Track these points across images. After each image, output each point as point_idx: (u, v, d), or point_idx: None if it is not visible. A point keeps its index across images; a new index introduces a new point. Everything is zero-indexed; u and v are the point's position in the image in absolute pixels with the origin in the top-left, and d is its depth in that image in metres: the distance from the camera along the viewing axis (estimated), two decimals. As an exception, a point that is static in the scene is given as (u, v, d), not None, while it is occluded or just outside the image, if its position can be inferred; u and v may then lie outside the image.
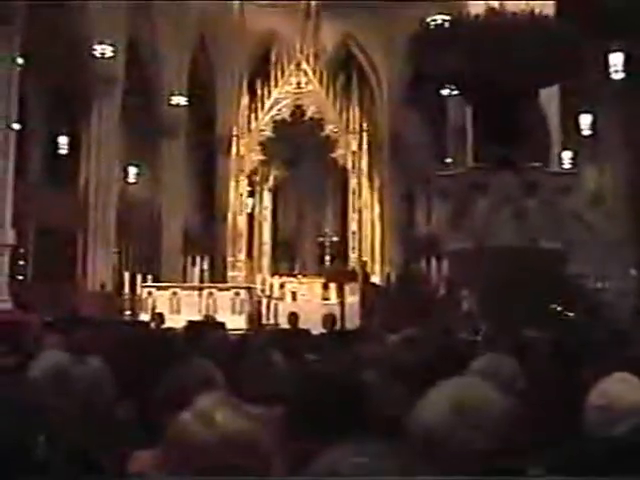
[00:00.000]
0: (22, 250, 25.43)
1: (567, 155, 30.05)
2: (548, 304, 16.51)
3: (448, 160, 27.53)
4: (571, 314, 18.36)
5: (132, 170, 32.28)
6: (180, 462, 2.24)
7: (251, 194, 29.01)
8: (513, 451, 2.31)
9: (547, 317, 15.15)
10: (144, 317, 21.34)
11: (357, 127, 27.83)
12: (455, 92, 20.96)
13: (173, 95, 29.70)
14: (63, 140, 30.91)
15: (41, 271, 25.86)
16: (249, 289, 24.63)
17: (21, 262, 25.64)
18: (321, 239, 29.34)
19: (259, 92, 28.02)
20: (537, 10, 15.11)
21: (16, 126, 22.17)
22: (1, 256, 20.91)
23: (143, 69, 29.92)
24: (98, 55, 25.78)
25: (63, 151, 30.88)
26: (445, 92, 24.02)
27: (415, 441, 2.29)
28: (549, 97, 23.31)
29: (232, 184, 28.21)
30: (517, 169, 15.41)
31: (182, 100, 29.91)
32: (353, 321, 19.35)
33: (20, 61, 22.04)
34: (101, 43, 25.78)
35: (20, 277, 25.15)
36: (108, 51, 25.80)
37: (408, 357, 5.72)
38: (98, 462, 3.36)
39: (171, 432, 2.32)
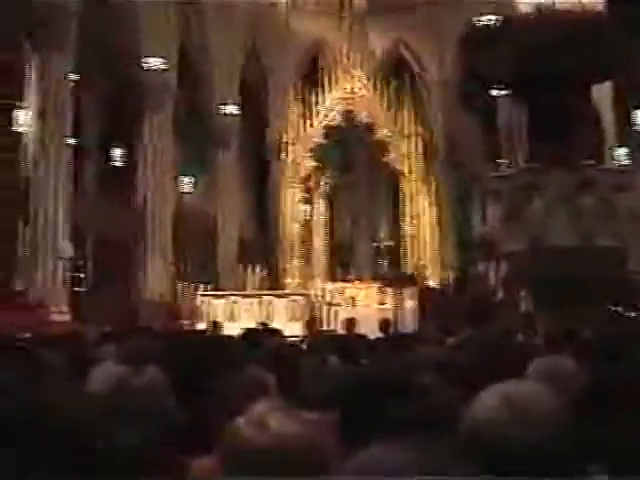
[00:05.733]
0: (80, 262, 25.68)
1: (622, 152, 29.74)
2: (607, 303, 16.33)
3: (501, 160, 27.35)
4: (632, 313, 18.12)
5: (186, 180, 32.45)
6: (236, 468, 2.25)
7: (305, 200, 29.06)
8: (568, 455, 2.28)
9: (607, 316, 14.99)
10: (201, 326, 21.43)
11: (409, 131, 27.79)
12: (506, 92, 20.84)
13: (225, 104, 29.84)
14: (118, 152, 31.18)
15: (99, 282, 26.08)
16: (305, 295, 24.66)
17: (79, 274, 25.90)
18: (376, 244, 29.29)
19: (310, 99, 28.09)
20: (587, 7, 15.00)
21: (71, 140, 22.40)
22: (59, 268, 21.15)
23: (195, 79, 30.09)
24: (150, 67, 26.03)
25: (118, 163, 31.14)
26: (496, 92, 23.89)
27: (466, 442, 2.27)
28: (602, 94, 23.11)
29: (286, 191, 28.31)
30: (571, 167, 15.29)
31: (234, 109, 30.04)
32: (411, 325, 19.31)
33: (73, 76, 22.27)
34: (153, 55, 26.05)
35: (78, 288, 25.39)
36: (159, 63, 26.04)
37: (465, 360, 5.68)
38: (156, 470, 3.37)
39: (226, 439, 2.33)
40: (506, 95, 22.97)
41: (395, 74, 30.26)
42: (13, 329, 12.65)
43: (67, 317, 20.75)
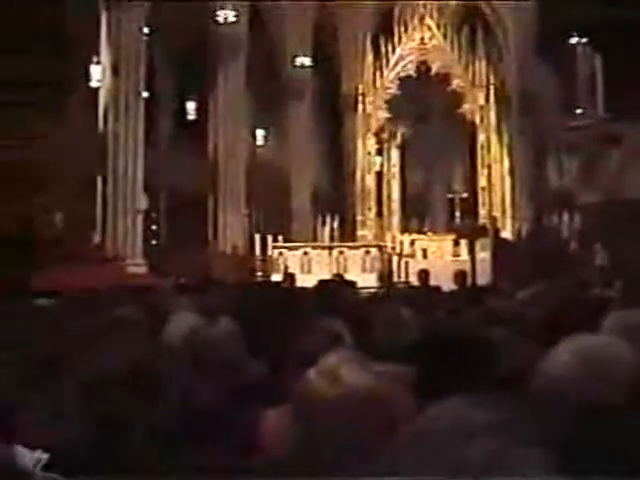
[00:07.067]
0: (155, 215, 25.94)
1: None
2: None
3: (578, 111, 26.92)
4: None
5: (260, 133, 32.51)
6: (308, 419, 2.26)
7: (379, 152, 28.95)
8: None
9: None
10: (276, 278, 21.56)
11: (484, 81, 27.50)
12: (584, 40, 20.47)
13: (297, 56, 29.76)
14: (191, 106, 31.31)
15: (174, 235, 26.32)
16: (379, 247, 24.64)
17: (154, 227, 26.16)
18: (450, 195, 29.10)
19: (383, 49, 27.91)
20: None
21: (145, 94, 22.56)
22: (135, 221, 21.41)
23: (267, 31, 30.02)
24: (221, 20, 26.04)
25: (191, 117, 31.29)
26: (574, 40, 23.46)
27: (538, 395, 2.26)
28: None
29: (359, 143, 28.23)
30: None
31: (306, 61, 29.95)
32: (484, 277, 19.22)
33: (146, 30, 22.39)
34: (223, 8, 26.03)
35: (153, 241, 25.67)
36: (231, 16, 26.04)
37: (538, 313, 5.64)
38: (230, 423, 3.42)
39: (298, 389, 2.35)
40: (584, 44, 22.57)
41: (469, 23, 29.84)
42: (92, 282, 12.86)
43: (143, 269, 21.02)
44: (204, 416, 3.42)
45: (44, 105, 19.80)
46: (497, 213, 27.03)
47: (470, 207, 27.96)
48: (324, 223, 26.06)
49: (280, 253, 24.10)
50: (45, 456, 2.63)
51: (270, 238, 24.30)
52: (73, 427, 2.83)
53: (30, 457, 2.63)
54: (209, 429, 3.23)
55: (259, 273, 23.56)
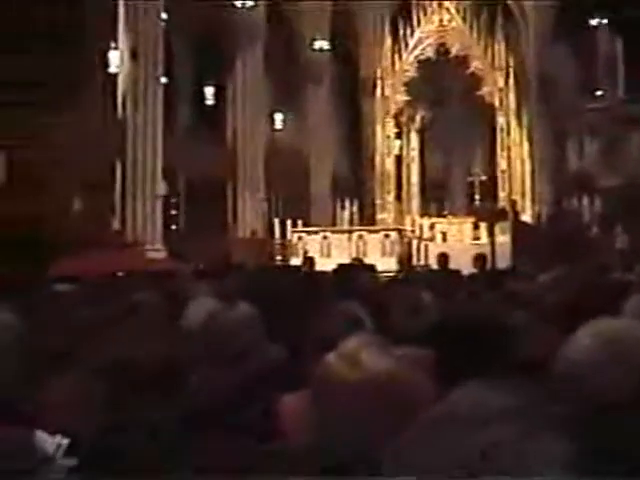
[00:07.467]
0: (174, 200, 25.95)
1: None
2: None
3: (598, 93, 26.75)
4: None
5: (278, 117, 32.44)
6: (327, 403, 2.26)
7: (398, 136, 28.88)
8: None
9: None
10: (295, 262, 21.56)
11: (503, 63, 27.34)
12: (604, 21, 20.31)
13: (316, 40, 29.69)
14: (209, 91, 31.28)
15: (193, 220, 26.33)
16: (399, 231, 24.60)
17: (173, 212, 26.18)
18: (470, 179, 29.02)
19: (402, 32, 27.79)
20: None
21: (163, 79, 22.57)
22: (154, 207, 21.45)
23: (285, 16, 29.94)
24: (239, 5, 26.00)
25: (210, 102, 31.26)
26: (594, 22, 23.28)
27: (559, 379, 2.24)
28: None
29: (378, 126, 28.17)
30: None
31: (325, 44, 29.88)
32: (504, 261, 19.16)
33: (164, 15, 22.38)
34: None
35: (173, 227, 25.68)
36: (249, 1, 25.99)
37: (558, 296, 5.61)
38: (248, 407, 3.42)
39: (318, 373, 2.34)
40: (604, 25, 22.39)
41: (488, 6, 29.66)
42: (112, 267, 12.90)
43: (163, 255, 21.07)
44: (222, 403, 3.43)
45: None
46: (517, 196, 26.94)
47: (490, 190, 27.88)
48: (343, 207, 26.06)
49: (299, 237, 24.09)
50: (65, 441, 2.63)
51: (289, 222, 24.30)
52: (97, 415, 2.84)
53: (51, 442, 2.64)
54: (228, 416, 3.23)
55: (278, 257, 23.58)
